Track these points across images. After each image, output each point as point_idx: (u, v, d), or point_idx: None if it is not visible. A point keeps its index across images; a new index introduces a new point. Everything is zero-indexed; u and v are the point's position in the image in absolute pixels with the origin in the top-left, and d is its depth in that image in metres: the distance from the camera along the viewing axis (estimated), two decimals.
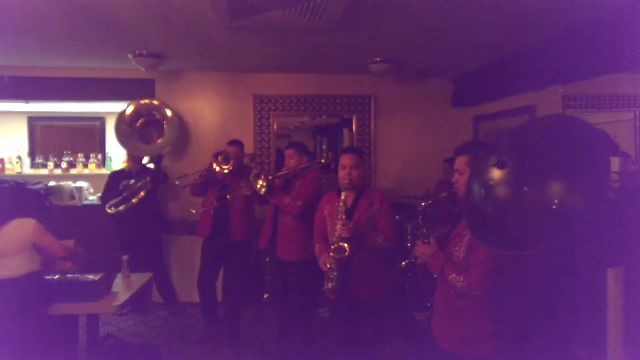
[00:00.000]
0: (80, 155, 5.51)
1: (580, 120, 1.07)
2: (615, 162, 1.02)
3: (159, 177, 4.42)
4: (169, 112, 4.69)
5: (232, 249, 3.77)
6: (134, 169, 4.42)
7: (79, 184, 5.07)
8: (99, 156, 5.59)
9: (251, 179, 3.26)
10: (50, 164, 5.40)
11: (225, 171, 3.55)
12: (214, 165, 3.56)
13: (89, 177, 5.41)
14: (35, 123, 5.61)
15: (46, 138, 5.66)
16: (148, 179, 4.27)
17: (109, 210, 4.24)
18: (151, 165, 4.62)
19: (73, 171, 5.42)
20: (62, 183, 4.92)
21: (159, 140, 4.67)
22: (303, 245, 3.24)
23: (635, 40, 2.59)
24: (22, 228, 2.61)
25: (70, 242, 3.00)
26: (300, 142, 3.94)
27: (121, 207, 4.19)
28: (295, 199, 3.25)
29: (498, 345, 1.82)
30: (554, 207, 0.96)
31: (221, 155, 3.59)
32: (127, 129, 4.58)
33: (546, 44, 3.41)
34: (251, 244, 3.93)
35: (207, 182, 3.75)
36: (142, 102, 4.67)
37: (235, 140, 3.88)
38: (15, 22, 3.09)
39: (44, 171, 5.38)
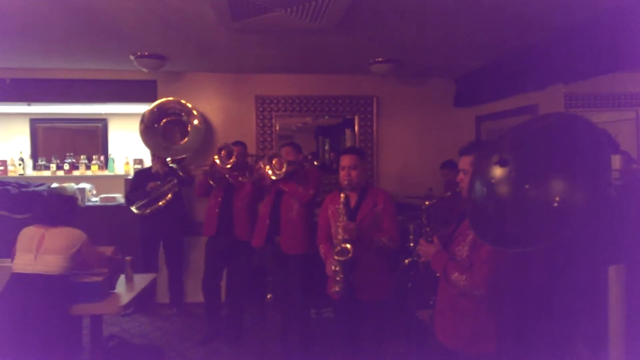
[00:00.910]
0: (82, 157, 5.53)
1: (581, 118, 1.07)
2: (616, 160, 1.02)
3: (185, 178, 4.41)
4: (195, 112, 4.65)
5: (236, 249, 3.79)
6: (161, 170, 4.41)
7: (82, 185, 5.09)
8: (102, 158, 5.61)
9: (266, 161, 3.23)
10: (53, 166, 5.42)
11: (228, 166, 3.54)
12: (217, 160, 3.56)
13: (92, 178, 5.44)
14: (37, 125, 5.63)
15: (48, 140, 5.68)
16: (175, 181, 4.25)
17: (135, 211, 4.26)
18: (174, 166, 4.57)
19: (76, 173, 5.44)
20: (65, 185, 4.94)
21: (184, 140, 4.62)
22: (307, 239, 3.26)
23: (638, 38, 2.58)
24: (74, 239, 2.78)
25: (109, 249, 3.12)
26: (294, 142, 3.95)
27: (147, 210, 4.21)
28: (306, 188, 3.26)
29: (500, 343, 1.83)
30: (556, 204, 0.96)
31: (225, 150, 3.59)
32: (151, 129, 4.54)
33: (548, 43, 3.41)
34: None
35: (210, 177, 3.75)
36: (167, 100, 4.63)
37: (238, 142, 3.90)
38: (16, 24, 3.11)
39: (46, 173, 5.40)
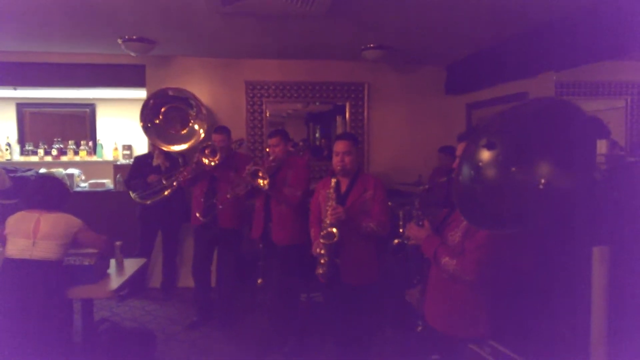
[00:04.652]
0: (70, 142, 5.47)
1: (569, 103, 1.08)
2: (602, 145, 1.04)
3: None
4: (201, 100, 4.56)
5: (224, 237, 3.80)
6: (162, 165, 4.32)
7: (70, 171, 5.04)
8: (90, 143, 5.55)
9: (249, 178, 3.23)
10: (41, 151, 5.36)
11: (213, 164, 3.55)
12: (203, 159, 3.55)
13: (80, 164, 5.38)
14: (24, 109, 5.54)
15: (36, 125, 5.59)
16: (175, 182, 4.00)
17: (136, 199, 4.21)
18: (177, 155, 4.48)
19: (64, 158, 5.39)
20: (53, 170, 4.89)
21: (184, 131, 4.52)
22: (298, 231, 3.27)
23: (630, 27, 2.59)
24: (70, 225, 2.76)
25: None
26: (282, 129, 3.91)
27: (148, 201, 4.16)
28: (293, 189, 3.26)
29: (489, 328, 1.85)
30: (541, 186, 0.98)
31: (208, 149, 3.58)
32: (153, 120, 4.44)
33: (540, 30, 3.41)
34: (242, 232, 3.94)
35: (197, 175, 3.73)
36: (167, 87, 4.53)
37: (221, 127, 3.83)
38: (1, 6, 3.03)
39: (34, 158, 5.34)
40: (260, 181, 3.16)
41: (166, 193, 4.14)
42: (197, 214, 3.69)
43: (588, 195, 0.99)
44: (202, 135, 4.50)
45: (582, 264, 1.25)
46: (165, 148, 4.39)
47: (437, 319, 2.01)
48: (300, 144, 5.17)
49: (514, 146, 1.03)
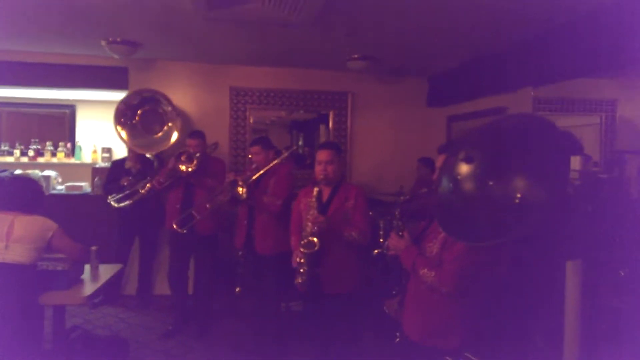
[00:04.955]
0: (48, 143, 5.35)
1: (545, 120, 1.11)
2: (576, 161, 1.07)
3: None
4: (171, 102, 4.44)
5: (201, 243, 3.74)
6: (134, 168, 4.22)
7: (47, 173, 4.92)
8: (69, 145, 5.44)
9: (228, 187, 3.20)
10: (17, 152, 5.23)
11: (190, 170, 3.51)
12: (180, 166, 3.51)
13: (58, 166, 5.26)
14: (1, 109, 5.41)
15: (13, 125, 5.46)
16: (148, 185, 3.87)
17: (113, 204, 4.12)
18: (151, 158, 4.39)
19: (41, 160, 5.27)
20: (29, 171, 4.76)
21: (159, 134, 4.43)
22: (280, 240, 3.23)
23: (606, 45, 2.68)
24: (44, 229, 2.69)
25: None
26: (265, 137, 3.88)
27: (125, 204, 4.04)
28: (273, 198, 3.24)
29: (466, 339, 1.87)
30: (517, 201, 1.00)
31: (184, 155, 3.54)
32: (127, 123, 4.34)
33: (519, 46, 3.50)
34: (218, 238, 3.89)
35: (172, 181, 3.67)
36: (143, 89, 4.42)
37: (196, 132, 3.80)
38: None
39: (9, 159, 5.20)
40: (239, 189, 3.15)
41: (141, 191, 4.02)
42: (174, 225, 3.56)
43: (562, 209, 1.02)
44: (176, 138, 4.40)
45: (557, 277, 1.27)
46: (137, 149, 4.28)
47: (415, 330, 2.01)
48: (285, 153, 5.17)
49: (491, 161, 1.06)
